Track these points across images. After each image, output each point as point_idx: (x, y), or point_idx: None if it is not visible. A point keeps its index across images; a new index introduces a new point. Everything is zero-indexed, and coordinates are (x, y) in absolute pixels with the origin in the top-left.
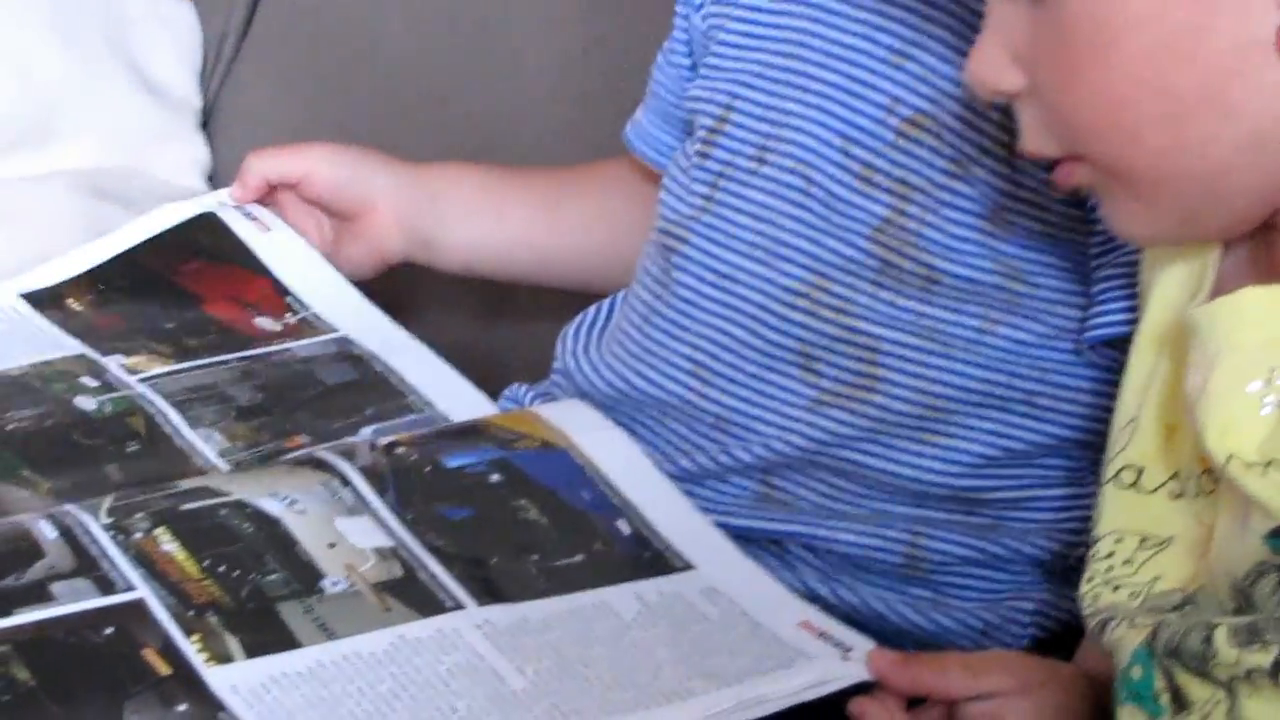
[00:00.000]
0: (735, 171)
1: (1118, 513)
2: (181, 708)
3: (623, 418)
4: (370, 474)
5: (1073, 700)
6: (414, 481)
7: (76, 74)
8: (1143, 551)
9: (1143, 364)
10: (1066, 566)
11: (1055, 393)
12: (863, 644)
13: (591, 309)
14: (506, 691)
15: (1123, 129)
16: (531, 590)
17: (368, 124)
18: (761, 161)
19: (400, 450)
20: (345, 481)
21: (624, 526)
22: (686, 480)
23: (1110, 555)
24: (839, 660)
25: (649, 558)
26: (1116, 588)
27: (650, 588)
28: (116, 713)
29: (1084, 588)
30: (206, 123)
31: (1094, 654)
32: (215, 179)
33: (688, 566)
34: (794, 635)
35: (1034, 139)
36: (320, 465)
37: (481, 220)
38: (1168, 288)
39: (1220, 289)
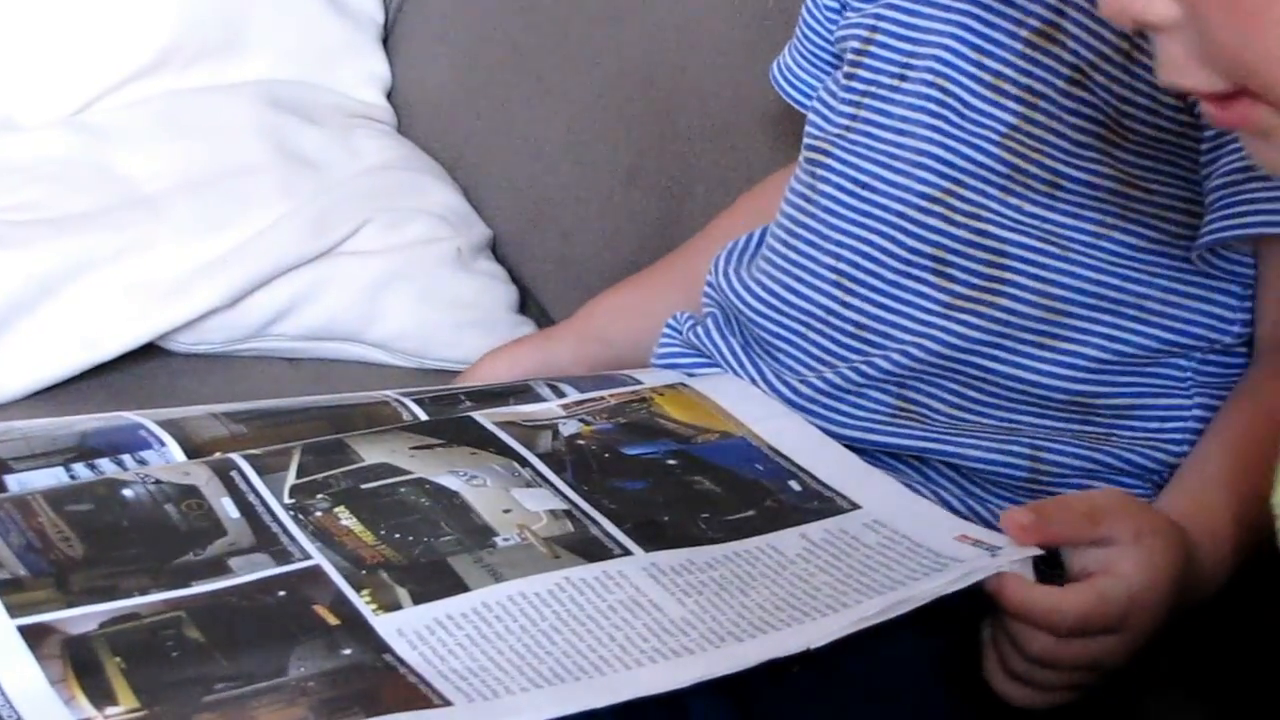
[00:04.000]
0: (878, 89)
1: None
2: (346, 652)
3: (768, 334)
4: (549, 458)
5: (1176, 553)
6: (591, 464)
7: None
8: None
9: None
10: (1165, 478)
11: (1164, 297)
12: (1009, 543)
13: (742, 238)
14: (665, 620)
15: None
16: (701, 540)
17: (546, 40)
18: (903, 79)
19: (581, 441)
20: (524, 463)
21: (795, 485)
22: (828, 396)
23: None
24: (987, 558)
25: (817, 506)
26: None
27: (816, 528)
28: (283, 661)
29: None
30: (387, 39)
31: (1189, 506)
32: (393, 94)
33: (855, 507)
34: (949, 546)
35: (1187, 72)
36: (502, 450)
37: (647, 328)
38: None
39: None
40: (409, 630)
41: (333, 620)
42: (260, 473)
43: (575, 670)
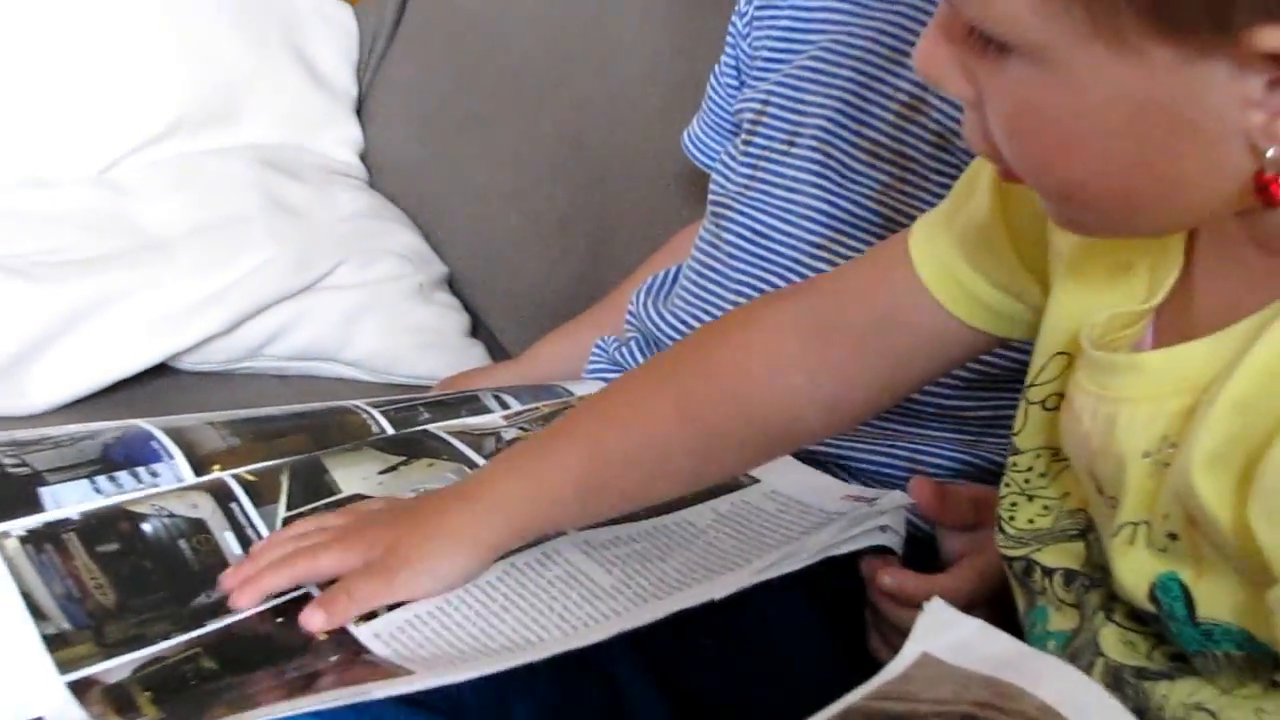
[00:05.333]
0: (771, 154)
1: (1036, 434)
2: (333, 658)
3: None
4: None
5: None
6: None
7: (255, 66)
8: (1055, 464)
9: (1067, 302)
10: None
11: None
12: (888, 496)
13: (659, 275)
14: (596, 588)
15: (1069, 198)
16: (627, 519)
17: (494, 109)
18: (792, 144)
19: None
20: (473, 465)
21: None
22: None
23: (1030, 469)
24: (866, 507)
25: (726, 482)
26: (1032, 498)
27: (723, 501)
28: (282, 670)
29: (1003, 492)
30: (360, 109)
31: None
32: (365, 155)
33: (755, 481)
34: (836, 504)
35: (976, 141)
36: (454, 456)
37: (579, 368)
38: (1097, 272)
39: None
40: (384, 634)
41: (321, 636)
42: (256, 504)
43: (523, 642)
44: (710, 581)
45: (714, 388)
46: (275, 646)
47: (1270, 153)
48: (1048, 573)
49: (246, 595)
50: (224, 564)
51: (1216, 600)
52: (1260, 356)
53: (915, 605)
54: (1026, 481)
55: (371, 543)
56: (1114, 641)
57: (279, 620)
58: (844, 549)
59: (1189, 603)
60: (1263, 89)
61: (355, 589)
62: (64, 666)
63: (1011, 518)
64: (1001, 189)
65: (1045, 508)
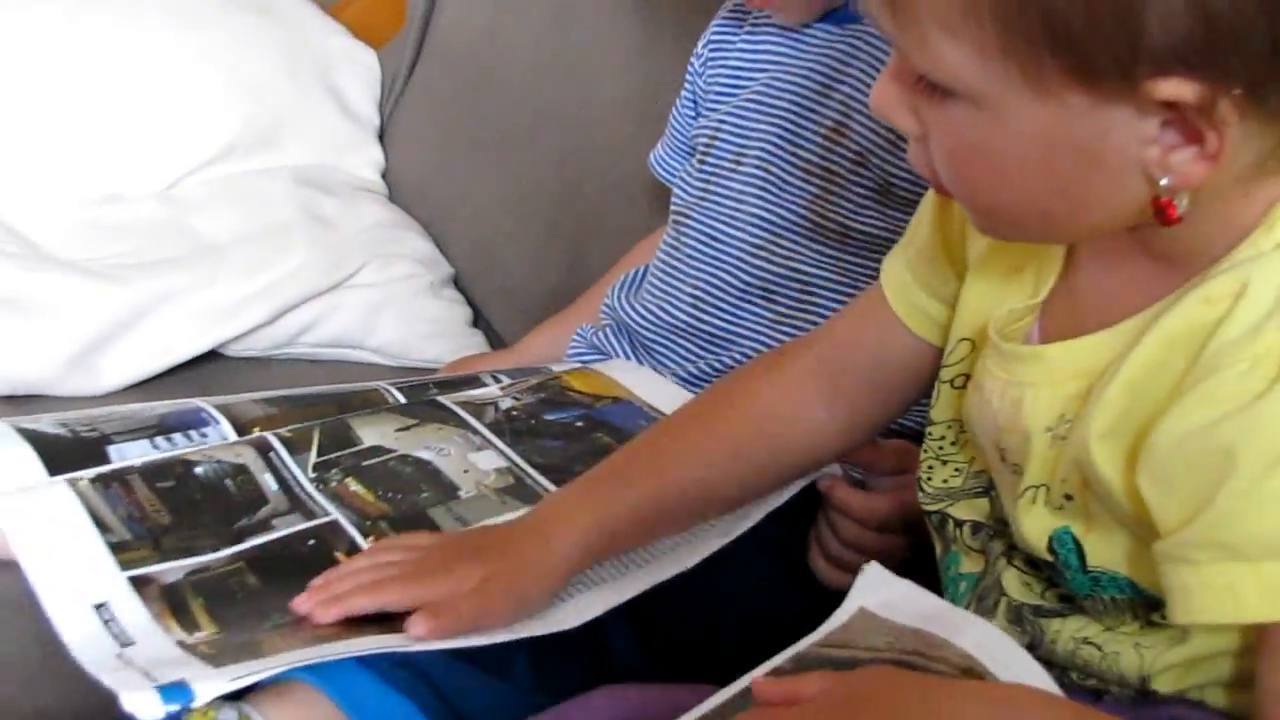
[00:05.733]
0: (721, 171)
1: (947, 408)
2: None
3: (651, 338)
4: (494, 428)
5: None
6: (524, 429)
7: (295, 101)
8: (963, 435)
9: (973, 296)
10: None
11: None
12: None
13: (631, 273)
14: None
15: (995, 214)
16: None
17: (492, 137)
18: (738, 163)
19: (514, 412)
20: (475, 431)
21: None
22: (691, 383)
23: (943, 438)
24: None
25: None
26: (945, 462)
27: None
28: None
29: (922, 457)
30: (382, 136)
31: None
32: (386, 174)
33: None
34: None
35: (920, 167)
36: (460, 423)
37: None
38: (999, 270)
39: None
40: None
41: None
42: (291, 453)
43: None
44: (678, 552)
45: (753, 430)
46: (307, 566)
47: (1164, 181)
48: (959, 524)
49: (331, 612)
50: (264, 499)
51: (1104, 552)
52: (1149, 346)
53: (859, 519)
54: (940, 449)
55: (461, 578)
56: (1014, 583)
57: (310, 543)
58: (782, 500)
59: (1080, 553)
60: (1157, 128)
61: (462, 609)
62: (125, 565)
63: (929, 478)
64: (939, 204)
65: (956, 470)
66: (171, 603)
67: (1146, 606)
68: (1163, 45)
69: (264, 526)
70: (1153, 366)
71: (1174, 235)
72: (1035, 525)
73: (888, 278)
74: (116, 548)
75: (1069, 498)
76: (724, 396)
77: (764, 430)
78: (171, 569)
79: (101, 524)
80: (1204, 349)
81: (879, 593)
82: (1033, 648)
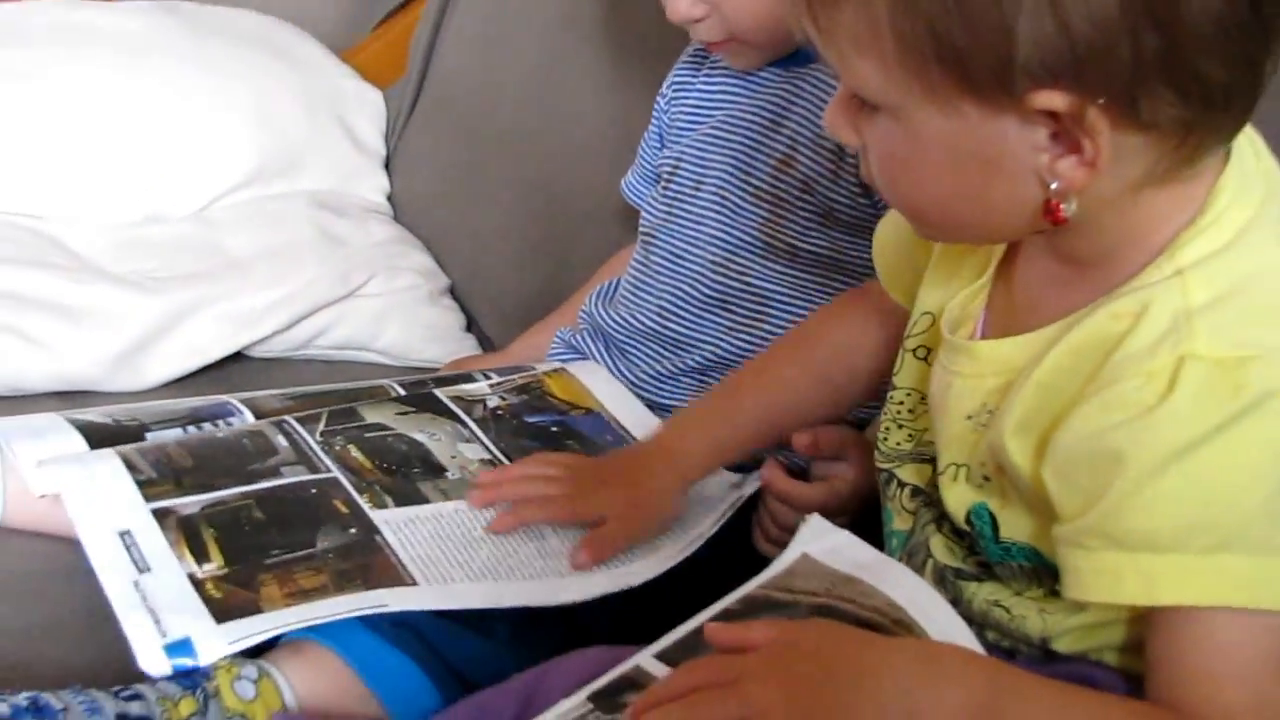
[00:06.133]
0: (683, 197)
1: (909, 376)
2: (352, 531)
3: (622, 341)
4: (481, 423)
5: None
6: (507, 427)
7: (311, 134)
8: (921, 405)
9: (933, 282)
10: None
11: None
12: (752, 479)
13: (605, 284)
14: (546, 547)
15: (918, 217)
16: None
17: (484, 165)
18: (698, 189)
19: (500, 412)
20: (465, 425)
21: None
22: (656, 380)
23: (901, 404)
24: (746, 486)
25: None
26: (901, 426)
27: None
28: (313, 535)
29: (882, 421)
30: (387, 165)
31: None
32: (391, 197)
33: None
34: (724, 491)
35: (864, 175)
36: (452, 416)
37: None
38: (953, 263)
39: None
40: (392, 521)
41: (344, 510)
42: (302, 424)
43: (493, 572)
44: (630, 564)
45: (833, 355)
46: (308, 509)
47: (1054, 185)
48: (901, 485)
49: (509, 524)
50: (274, 450)
51: (1015, 526)
52: (1061, 352)
53: (796, 507)
54: (898, 413)
55: (609, 501)
56: (940, 547)
57: (313, 491)
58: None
59: (994, 526)
60: (1046, 139)
61: (616, 538)
62: (149, 498)
63: (885, 439)
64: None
65: (910, 436)
66: (187, 532)
67: (1049, 576)
68: (1035, 60)
69: (274, 472)
70: (1063, 371)
71: (1080, 242)
72: (957, 499)
73: (876, 245)
74: (143, 484)
75: (987, 479)
76: (808, 334)
77: (840, 358)
78: (190, 502)
79: (132, 467)
80: (1108, 360)
81: (821, 541)
82: (954, 605)
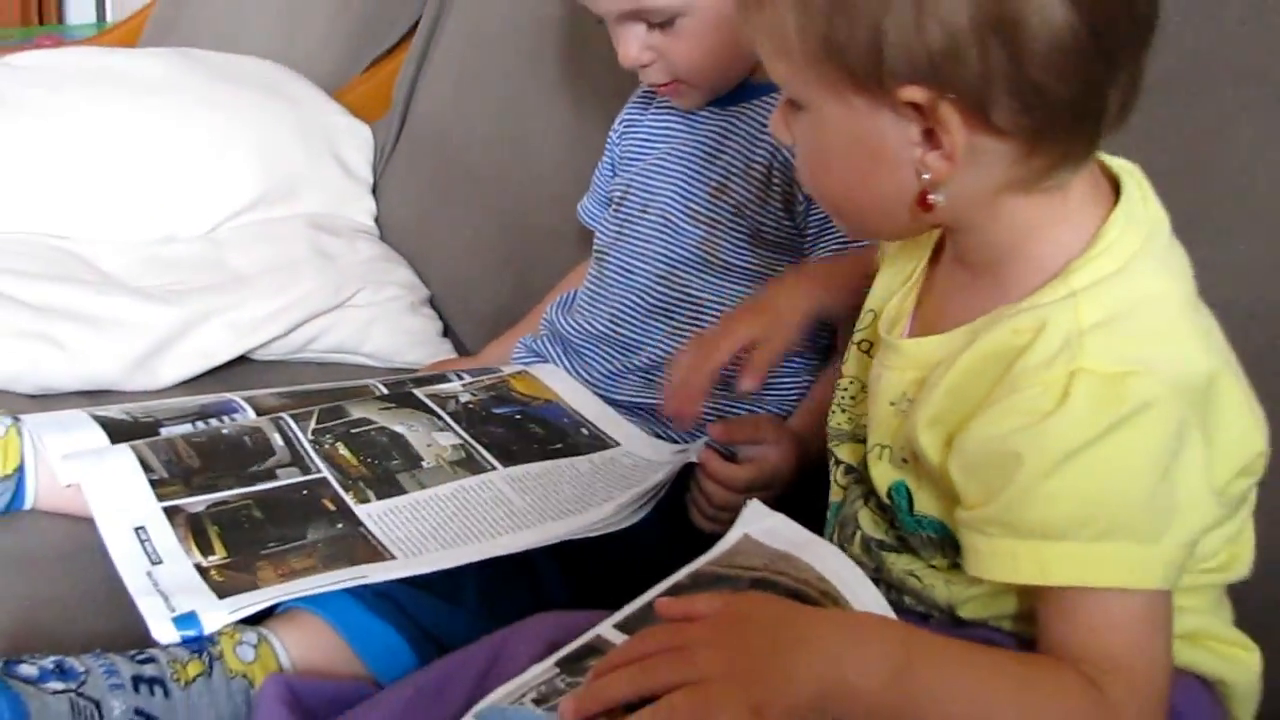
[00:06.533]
0: (631, 219)
1: (853, 366)
2: (339, 526)
3: (579, 345)
4: (454, 416)
5: (797, 446)
6: (476, 418)
7: (307, 163)
8: (862, 393)
9: (879, 283)
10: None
11: None
12: (695, 445)
13: (564, 295)
14: (513, 508)
15: (837, 211)
16: (534, 460)
17: (458, 191)
18: (644, 212)
19: (470, 406)
20: (439, 417)
21: (585, 431)
22: (607, 378)
23: (845, 390)
24: (685, 455)
25: (596, 443)
26: (844, 410)
27: (597, 456)
28: (304, 530)
29: (832, 406)
30: (375, 190)
31: (802, 424)
32: (378, 219)
33: (617, 444)
34: (667, 457)
35: (799, 175)
36: (428, 410)
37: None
38: (895, 267)
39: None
40: (374, 514)
41: (331, 507)
42: (296, 422)
43: (465, 538)
44: (588, 512)
45: None
46: (300, 508)
47: (925, 177)
48: (838, 462)
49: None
50: (271, 451)
51: (927, 503)
52: (970, 358)
53: (726, 486)
54: (842, 399)
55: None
56: (867, 520)
57: (304, 492)
58: (667, 478)
59: (910, 501)
60: (919, 134)
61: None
62: (161, 497)
63: (831, 419)
64: None
65: (850, 419)
66: (194, 529)
67: (953, 549)
68: (900, 58)
69: (270, 474)
70: (971, 375)
71: (969, 243)
72: (881, 475)
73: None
74: (156, 484)
75: (905, 460)
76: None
77: None
78: (197, 501)
79: (146, 466)
80: (1010, 370)
81: (760, 522)
82: (877, 572)
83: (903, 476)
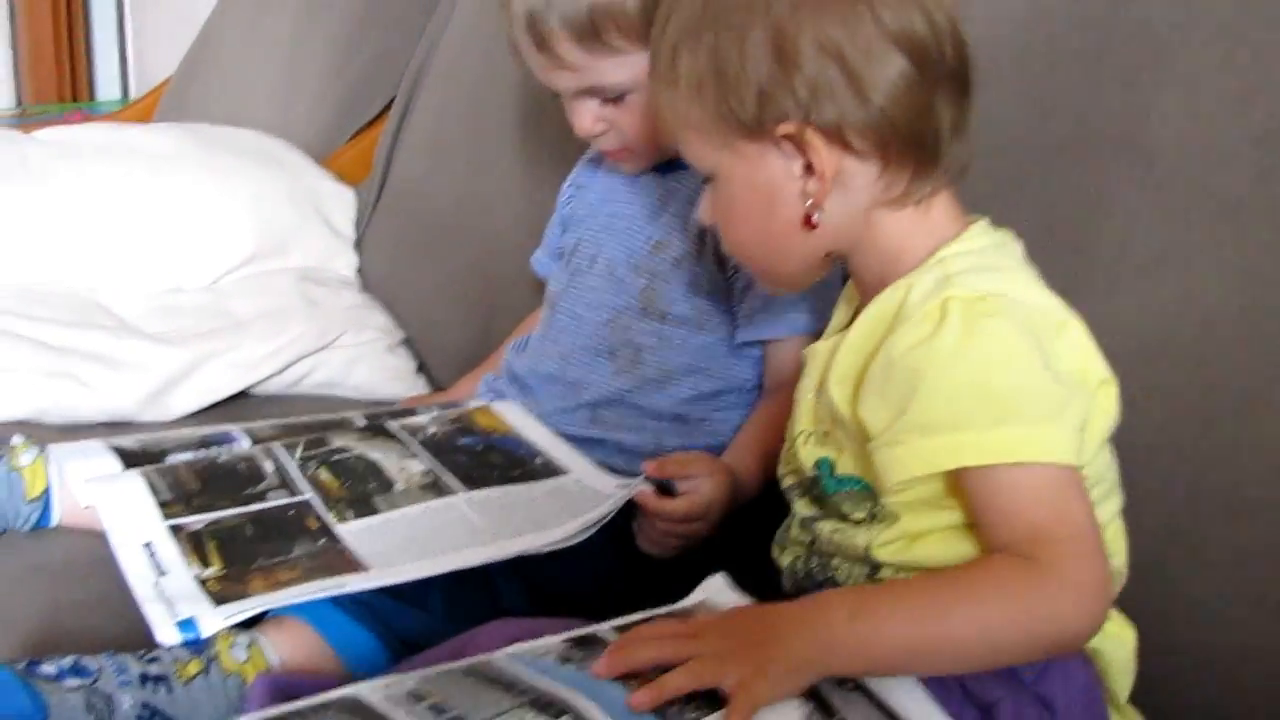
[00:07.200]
0: (580, 271)
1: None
2: (321, 542)
3: (532, 384)
4: (424, 445)
5: (729, 478)
6: (443, 447)
7: (297, 222)
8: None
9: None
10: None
11: (722, 365)
12: (638, 480)
13: (522, 338)
14: (473, 527)
15: (749, 254)
16: (494, 485)
17: (429, 245)
18: (592, 264)
19: (439, 437)
20: (410, 446)
21: (539, 460)
22: (558, 414)
23: (788, 447)
24: (627, 489)
25: (549, 470)
26: (787, 463)
27: (549, 483)
28: (290, 546)
29: (782, 454)
30: (358, 246)
31: (734, 459)
32: (360, 272)
33: (567, 472)
34: (611, 490)
35: (723, 247)
36: (400, 440)
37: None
38: (840, 312)
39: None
40: (352, 531)
41: (315, 526)
42: (284, 449)
43: (432, 552)
44: (540, 533)
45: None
46: (287, 527)
47: (808, 203)
48: (781, 477)
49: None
50: (262, 476)
51: (846, 465)
52: (862, 321)
53: (664, 518)
54: (785, 453)
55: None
56: (801, 506)
57: (291, 513)
58: (611, 509)
59: (832, 469)
60: (800, 168)
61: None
62: (166, 516)
63: (778, 470)
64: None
65: (791, 466)
66: (195, 544)
67: (870, 500)
68: (776, 106)
69: (261, 496)
70: (867, 331)
71: (859, 263)
72: (807, 456)
73: None
74: (162, 505)
75: (826, 434)
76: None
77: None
78: (197, 520)
79: (154, 489)
80: (896, 315)
81: (717, 596)
82: (813, 545)
83: (825, 452)
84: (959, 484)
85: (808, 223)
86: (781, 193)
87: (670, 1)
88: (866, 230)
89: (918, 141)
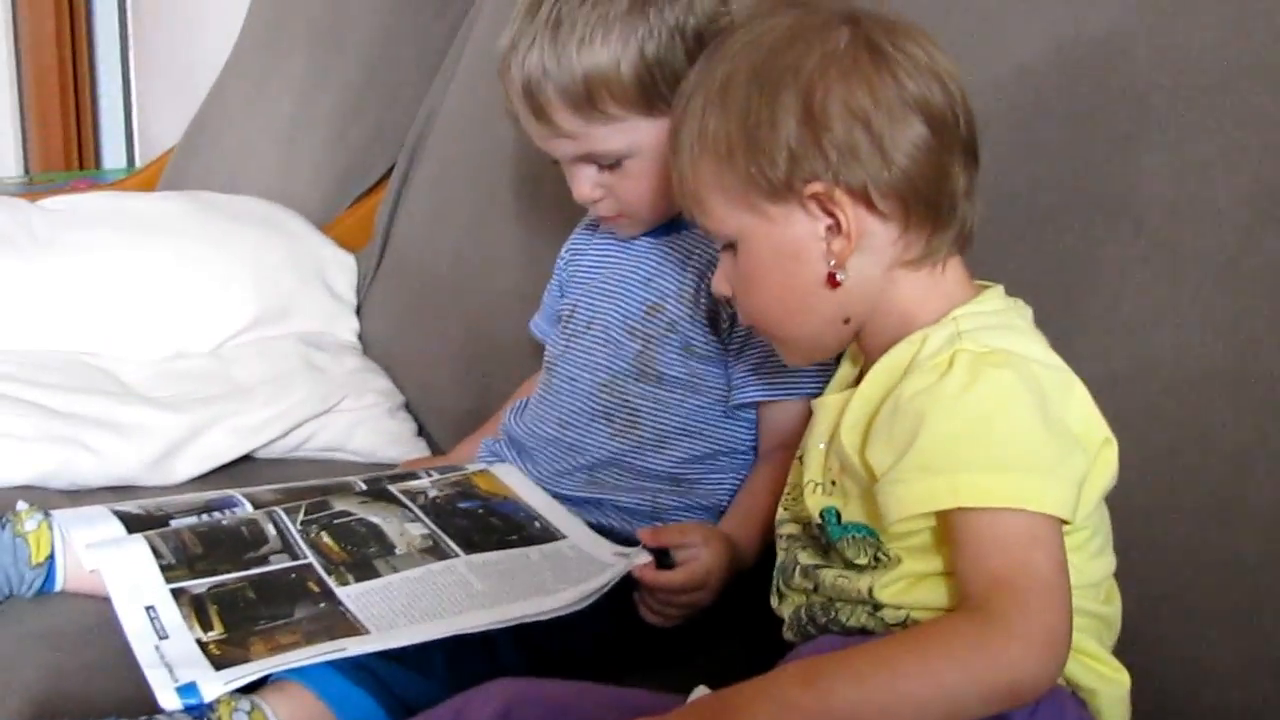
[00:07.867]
0: (576, 335)
1: (794, 476)
2: (321, 605)
3: (531, 447)
4: (424, 509)
5: (728, 547)
6: (443, 511)
7: (299, 288)
8: (801, 496)
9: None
10: (720, 512)
11: (717, 427)
12: (637, 551)
13: (520, 401)
14: (473, 590)
15: (770, 320)
16: (492, 549)
17: (429, 310)
18: (589, 328)
19: (439, 500)
20: (410, 509)
21: (537, 524)
22: (555, 476)
23: (789, 494)
24: (625, 561)
25: (546, 535)
26: (786, 509)
27: (546, 548)
28: (292, 609)
29: (778, 510)
30: (359, 311)
31: (732, 526)
32: (361, 337)
33: (564, 537)
34: (609, 558)
35: (741, 319)
36: (401, 504)
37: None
38: (844, 369)
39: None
40: (353, 595)
41: (316, 589)
42: (287, 514)
43: (432, 615)
44: (540, 598)
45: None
46: (289, 590)
47: (831, 262)
48: (780, 537)
49: None
50: (265, 540)
51: (851, 513)
52: (874, 373)
53: (662, 590)
54: (785, 500)
55: None
56: (805, 556)
57: (293, 576)
58: (609, 581)
59: (838, 517)
60: (825, 229)
61: None
62: (169, 580)
63: (776, 518)
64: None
65: (790, 512)
66: (196, 607)
67: (874, 545)
68: (805, 167)
69: (263, 560)
70: (880, 382)
71: (873, 326)
72: (814, 504)
73: None
74: (165, 569)
75: (833, 483)
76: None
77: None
78: (199, 584)
79: (157, 553)
80: (909, 366)
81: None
82: (815, 590)
83: (832, 501)
84: (949, 529)
85: (831, 281)
86: (806, 252)
87: (694, 71)
88: (884, 291)
89: (935, 203)
